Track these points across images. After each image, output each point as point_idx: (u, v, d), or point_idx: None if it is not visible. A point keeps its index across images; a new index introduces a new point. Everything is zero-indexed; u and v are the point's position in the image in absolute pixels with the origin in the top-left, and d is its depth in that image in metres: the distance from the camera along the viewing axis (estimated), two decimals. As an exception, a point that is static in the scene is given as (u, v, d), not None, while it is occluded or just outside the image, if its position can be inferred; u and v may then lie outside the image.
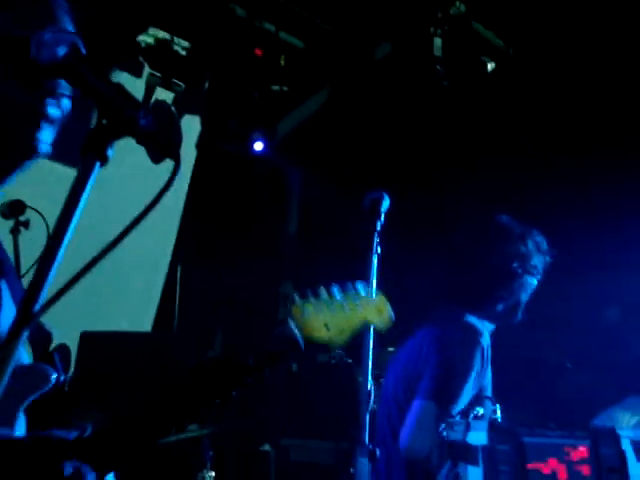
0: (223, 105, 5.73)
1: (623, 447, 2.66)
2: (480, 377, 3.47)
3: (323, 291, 2.33)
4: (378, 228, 3.01)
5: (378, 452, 2.76)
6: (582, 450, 2.59)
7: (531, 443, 2.65)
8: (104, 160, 1.39)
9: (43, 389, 1.96)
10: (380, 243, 3.04)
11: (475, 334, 3.56)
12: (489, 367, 3.57)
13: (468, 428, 2.73)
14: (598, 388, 5.34)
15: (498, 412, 2.88)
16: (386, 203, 3.05)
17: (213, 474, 4.56)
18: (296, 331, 2.25)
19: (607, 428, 2.71)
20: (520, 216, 3.88)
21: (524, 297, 3.78)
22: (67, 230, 1.35)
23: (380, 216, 3.01)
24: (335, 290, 2.35)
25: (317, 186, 6.37)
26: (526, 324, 3.88)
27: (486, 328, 3.67)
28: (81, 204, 1.36)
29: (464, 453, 2.67)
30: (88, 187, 1.36)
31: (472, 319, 3.65)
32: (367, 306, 2.37)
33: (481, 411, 2.83)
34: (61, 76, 1.45)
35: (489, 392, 3.47)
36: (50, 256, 1.33)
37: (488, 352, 3.56)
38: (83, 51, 1.47)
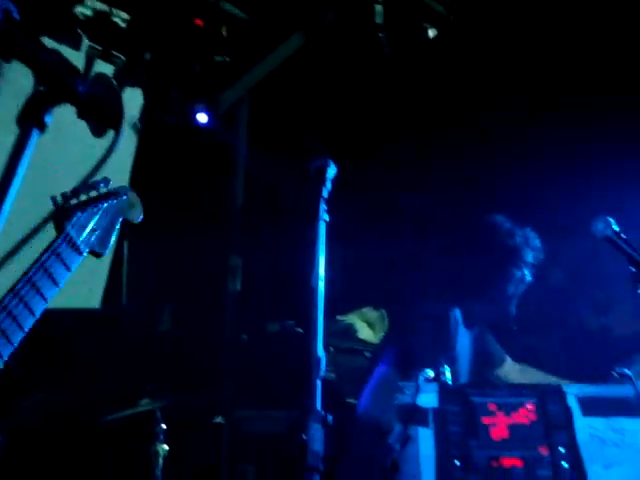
0: (165, 77, 5.66)
1: (569, 403, 2.72)
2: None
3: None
4: (324, 195, 3.00)
5: (330, 418, 2.76)
6: (530, 407, 2.65)
7: (480, 402, 2.69)
8: (42, 127, 1.36)
9: None
10: (329, 211, 3.03)
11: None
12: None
13: (418, 391, 2.76)
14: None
15: (448, 374, 2.92)
16: (332, 170, 3.04)
17: (166, 447, 4.56)
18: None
19: (553, 386, 2.76)
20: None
21: (513, 291, 3.88)
22: (5, 200, 1.32)
23: (325, 182, 3.00)
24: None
25: (264, 157, 6.34)
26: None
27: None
28: (20, 172, 1.33)
29: (414, 415, 2.70)
30: (27, 155, 1.34)
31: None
32: (121, 200, 2.63)
33: (431, 374, 2.86)
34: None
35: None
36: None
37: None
38: (16, 17, 1.43)
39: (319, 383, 2.80)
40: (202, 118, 5.79)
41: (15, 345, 2.17)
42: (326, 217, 2.98)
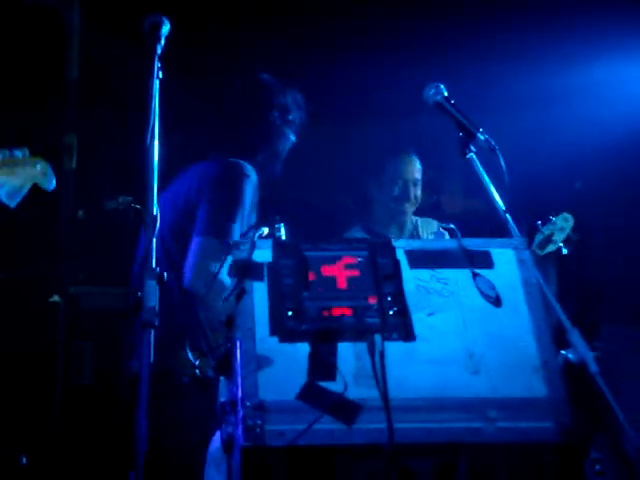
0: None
1: (397, 257, 2.83)
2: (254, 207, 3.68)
3: None
4: (159, 52, 2.94)
5: (165, 275, 2.77)
6: (354, 259, 2.76)
7: (312, 256, 2.77)
8: None
9: None
10: (162, 69, 2.97)
11: (243, 169, 3.71)
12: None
13: (253, 247, 2.80)
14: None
15: (282, 231, 2.97)
16: (166, 27, 2.98)
17: (-2, 322, 4.48)
18: None
19: (383, 240, 2.87)
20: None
21: (282, 150, 4.02)
22: None
23: (160, 39, 2.94)
24: None
25: (100, 29, 6.11)
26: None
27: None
28: None
29: (249, 270, 2.75)
30: None
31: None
32: (34, 168, 2.92)
33: (266, 231, 2.91)
34: None
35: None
36: None
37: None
38: None
39: (154, 241, 2.79)
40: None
41: None
42: (160, 75, 2.93)
